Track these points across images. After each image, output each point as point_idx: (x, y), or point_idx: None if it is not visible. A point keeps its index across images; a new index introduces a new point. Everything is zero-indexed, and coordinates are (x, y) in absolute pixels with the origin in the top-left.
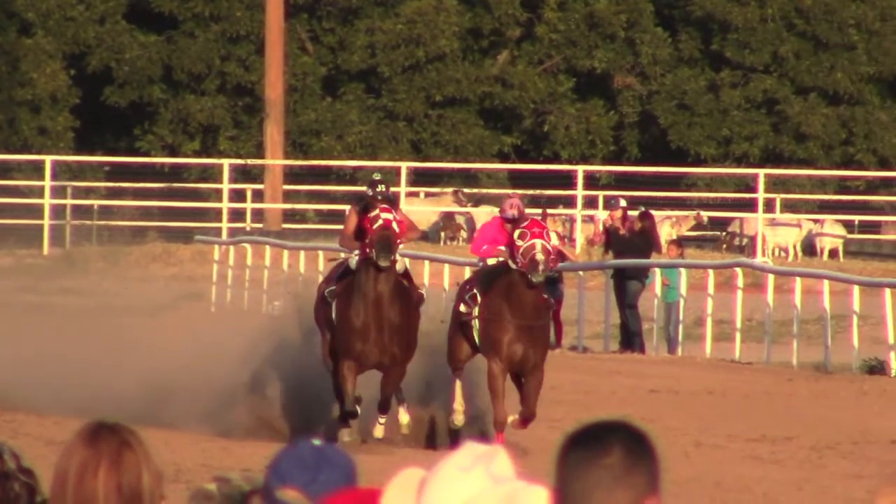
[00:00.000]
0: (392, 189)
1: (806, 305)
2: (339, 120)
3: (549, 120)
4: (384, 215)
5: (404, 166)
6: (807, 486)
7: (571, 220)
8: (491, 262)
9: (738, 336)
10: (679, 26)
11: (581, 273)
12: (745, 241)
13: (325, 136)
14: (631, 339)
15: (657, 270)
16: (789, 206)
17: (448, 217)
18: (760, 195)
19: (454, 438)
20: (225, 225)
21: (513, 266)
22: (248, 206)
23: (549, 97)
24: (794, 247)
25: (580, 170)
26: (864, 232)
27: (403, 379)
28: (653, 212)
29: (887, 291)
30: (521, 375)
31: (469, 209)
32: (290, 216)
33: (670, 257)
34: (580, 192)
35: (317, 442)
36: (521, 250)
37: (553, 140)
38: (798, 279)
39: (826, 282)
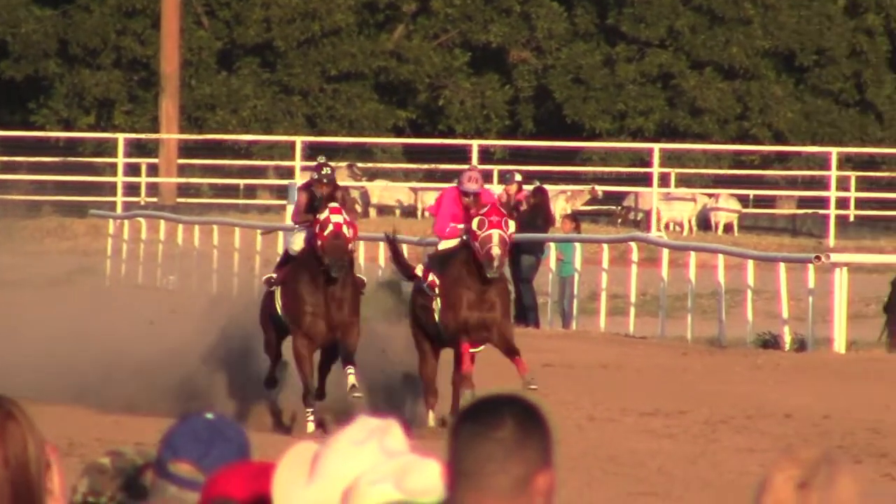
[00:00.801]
0: (335, 171)
1: (700, 280)
2: (234, 94)
3: (445, 94)
4: (334, 218)
5: (299, 140)
6: (700, 460)
7: None
8: (442, 246)
9: (632, 310)
10: (575, 1)
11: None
12: (640, 215)
13: (220, 111)
14: (526, 313)
15: (552, 245)
16: (684, 181)
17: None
18: (655, 169)
19: None
20: (120, 199)
21: (469, 258)
22: (143, 180)
23: (444, 71)
24: (689, 221)
25: (475, 144)
26: (758, 207)
27: (359, 339)
28: (548, 186)
29: (781, 266)
30: (487, 340)
31: (364, 183)
32: (184, 190)
33: (565, 232)
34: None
35: (210, 416)
36: (478, 239)
37: (448, 114)
38: (692, 253)
39: (720, 256)
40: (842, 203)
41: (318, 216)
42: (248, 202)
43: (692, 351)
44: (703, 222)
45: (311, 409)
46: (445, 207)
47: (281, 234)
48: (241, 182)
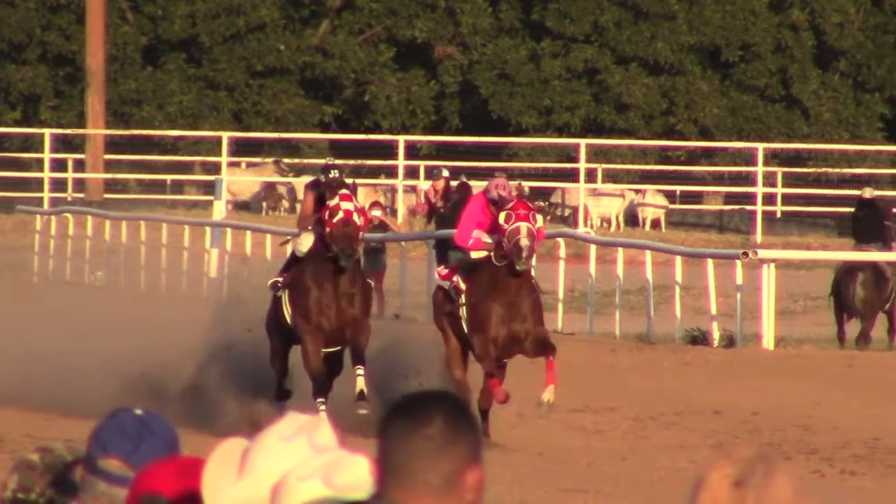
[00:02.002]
0: (344, 174)
1: (628, 276)
2: (159, 90)
3: (370, 90)
4: (344, 205)
5: (225, 136)
6: (630, 457)
7: (393, 190)
8: (475, 255)
9: (560, 307)
10: None
11: (403, 244)
12: (567, 211)
13: (146, 106)
14: None
15: None
16: (611, 177)
17: (269, 187)
18: (582, 165)
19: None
20: (46, 195)
21: (496, 260)
22: (70, 175)
23: (369, 67)
24: (617, 217)
25: (401, 140)
26: (685, 202)
27: (369, 337)
28: (475, 182)
29: (709, 262)
30: (515, 353)
31: (290, 179)
32: (111, 186)
33: None
34: (401, 163)
35: (139, 412)
36: (506, 233)
37: (374, 110)
38: (620, 249)
39: (648, 252)
40: (769, 199)
41: (327, 203)
42: (175, 198)
43: (621, 347)
44: (631, 218)
45: (322, 400)
46: (470, 215)
47: (268, 236)
48: (168, 178)
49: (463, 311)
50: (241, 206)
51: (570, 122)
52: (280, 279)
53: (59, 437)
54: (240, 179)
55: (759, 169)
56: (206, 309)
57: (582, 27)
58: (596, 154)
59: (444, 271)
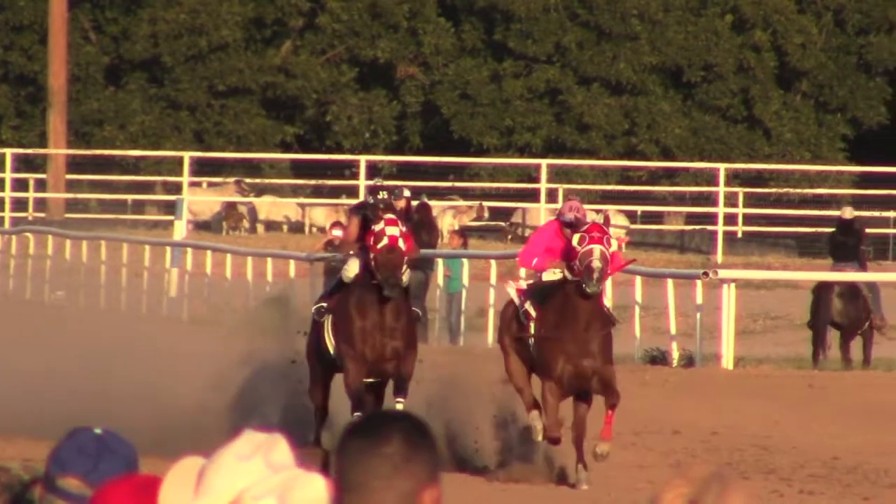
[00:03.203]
0: (393, 199)
1: None
2: (121, 110)
3: (332, 110)
4: (390, 230)
5: (187, 156)
6: (589, 476)
7: None
8: (546, 276)
9: None
10: (462, 16)
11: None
12: (528, 231)
13: (107, 126)
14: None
15: (439, 261)
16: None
17: (230, 207)
18: (543, 185)
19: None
20: (7, 214)
21: (569, 276)
22: (31, 195)
23: (331, 87)
24: None
25: (362, 160)
26: (646, 222)
27: (414, 368)
28: (436, 202)
29: (669, 282)
30: (582, 391)
31: (251, 199)
32: (72, 206)
33: (453, 247)
34: (362, 183)
35: (98, 430)
36: (578, 256)
37: (336, 130)
38: None
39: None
40: (730, 219)
41: (372, 227)
42: (136, 217)
43: None
44: None
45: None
46: (540, 238)
47: (210, 252)
48: (129, 197)
49: (531, 342)
50: (201, 226)
51: (531, 142)
52: (325, 304)
53: (17, 457)
54: (201, 199)
55: (721, 189)
56: (167, 329)
57: (544, 47)
58: (557, 174)
59: (520, 285)
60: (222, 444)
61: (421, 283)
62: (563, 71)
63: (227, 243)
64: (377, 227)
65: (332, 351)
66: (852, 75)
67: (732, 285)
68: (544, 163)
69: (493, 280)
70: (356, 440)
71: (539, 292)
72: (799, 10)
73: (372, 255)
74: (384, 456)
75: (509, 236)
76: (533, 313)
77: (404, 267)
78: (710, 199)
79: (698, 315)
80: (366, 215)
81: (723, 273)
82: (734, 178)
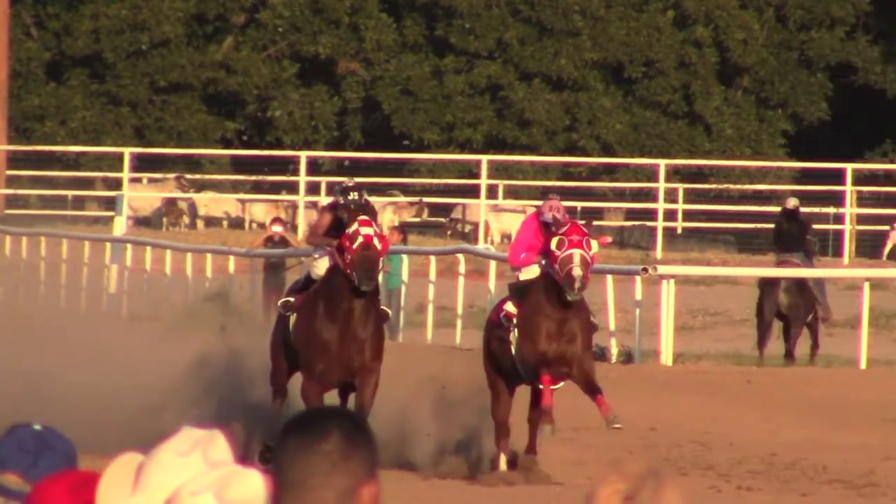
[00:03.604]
0: (365, 198)
1: None
2: (62, 105)
3: (273, 106)
4: (364, 230)
5: (127, 152)
6: (528, 473)
7: (294, 206)
8: (524, 276)
9: (459, 322)
10: (404, 12)
11: (304, 259)
12: (468, 227)
13: (48, 122)
14: None
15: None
16: (512, 193)
17: (170, 203)
18: (483, 181)
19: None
20: None
21: (549, 282)
22: None
23: (272, 83)
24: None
25: (303, 156)
26: (586, 218)
27: (376, 391)
28: (376, 198)
29: (609, 278)
30: (564, 375)
31: (192, 195)
32: (12, 202)
33: (392, 243)
34: (303, 179)
35: (37, 427)
36: (558, 260)
37: (276, 126)
38: None
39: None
40: (669, 215)
41: (346, 230)
42: (76, 213)
43: None
44: None
45: None
46: (522, 239)
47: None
48: (70, 193)
49: (513, 335)
50: (141, 222)
51: (472, 138)
52: (291, 299)
53: None
54: (141, 195)
55: (661, 185)
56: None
57: (485, 43)
58: (497, 170)
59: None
60: (161, 440)
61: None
62: (505, 67)
63: (167, 239)
64: (351, 230)
65: (294, 346)
66: (794, 71)
67: (672, 281)
68: (485, 159)
69: (432, 276)
70: (294, 437)
71: (518, 291)
72: (741, 5)
73: (348, 256)
74: (322, 453)
75: (449, 232)
76: (514, 312)
77: (380, 266)
78: (650, 195)
79: (637, 311)
80: (337, 215)
81: (662, 269)
82: (674, 173)
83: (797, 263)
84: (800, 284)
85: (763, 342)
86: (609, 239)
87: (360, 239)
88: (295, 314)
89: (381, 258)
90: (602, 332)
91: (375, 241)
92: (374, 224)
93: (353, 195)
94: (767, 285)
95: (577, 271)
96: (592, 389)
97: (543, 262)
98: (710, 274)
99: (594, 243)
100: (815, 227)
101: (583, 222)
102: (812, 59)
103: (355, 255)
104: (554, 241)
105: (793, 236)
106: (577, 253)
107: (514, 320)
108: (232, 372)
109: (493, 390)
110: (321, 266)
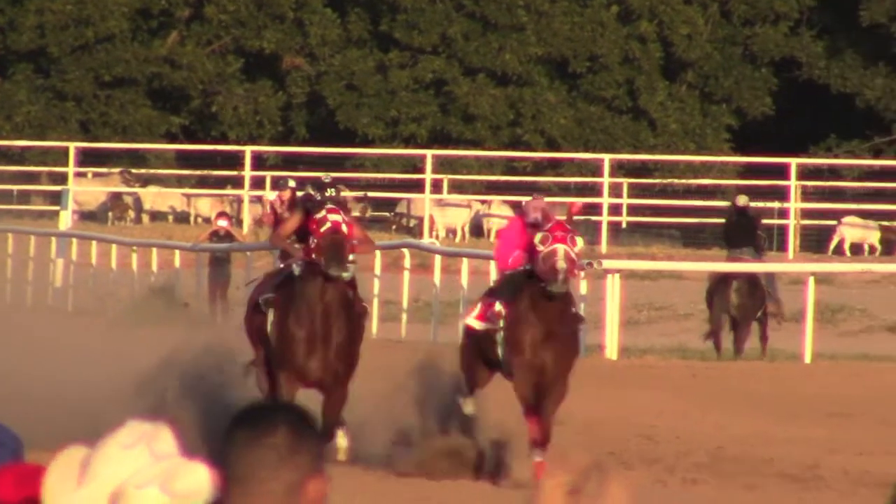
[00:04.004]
0: (341, 192)
1: (473, 286)
2: (7, 100)
3: (218, 100)
4: (332, 217)
5: (72, 146)
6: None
7: (239, 200)
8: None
9: (404, 316)
10: (348, 7)
11: (249, 253)
12: (413, 221)
13: None
14: None
15: None
16: (457, 187)
17: (116, 197)
18: (428, 176)
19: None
20: None
21: (535, 281)
22: None
23: (217, 78)
24: (462, 228)
25: (248, 150)
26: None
27: (346, 402)
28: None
29: None
30: (540, 387)
31: (137, 189)
32: None
33: None
34: (248, 173)
35: None
36: (541, 255)
37: (221, 120)
38: (465, 260)
39: (492, 262)
40: (614, 209)
41: (314, 216)
42: (21, 208)
43: None
44: (476, 229)
45: None
46: (508, 239)
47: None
48: (15, 188)
49: (500, 336)
50: (87, 217)
51: (416, 132)
52: (271, 296)
53: None
54: (86, 190)
55: (605, 180)
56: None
57: (430, 38)
58: (442, 165)
59: (478, 313)
60: (106, 433)
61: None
62: (449, 62)
63: (113, 233)
64: (319, 215)
65: (273, 343)
66: (738, 66)
67: (617, 275)
68: (429, 153)
69: (377, 270)
70: (242, 430)
71: (507, 287)
72: (685, 1)
73: (315, 241)
74: (270, 446)
75: (394, 227)
76: (503, 311)
77: (349, 250)
78: (594, 190)
79: (582, 305)
80: (308, 208)
81: (607, 263)
82: (619, 168)
83: (748, 260)
84: (751, 282)
85: (718, 340)
86: (580, 204)
87: (328, 224)
88: (273, 309)
89: (350, 243)
90: None
91: (343, 227)
92: (343, 213)
93: (330, 191)
94: (720, 283)
95: (560, 264)
96: (542, 437)
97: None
98: (654, 268)
99: (579, 240)
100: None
101: (563, 217)
102: (756, 54)
103: (322, 238)
104: (538, 237)
105: (743, 233)
106: (560, 248)
107: (502, 322)
108: (181, 364)
109: (469, 371)
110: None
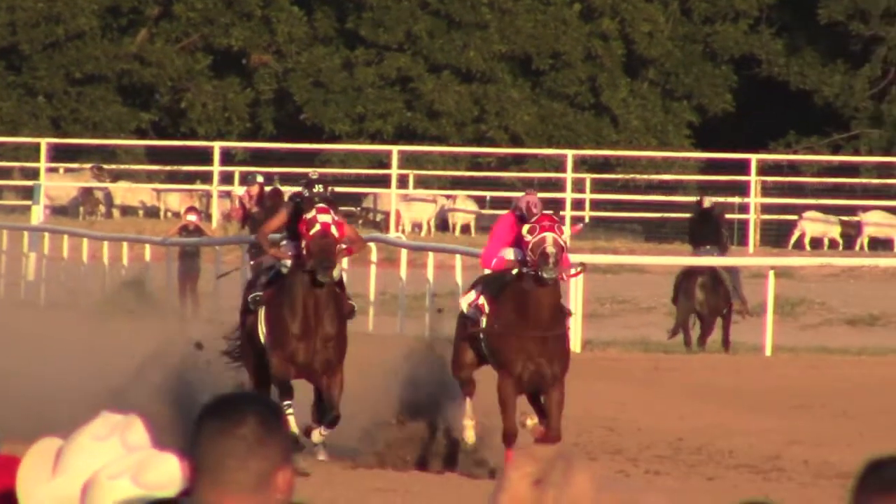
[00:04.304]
0: (329, 188)
1: (439, 279)
2: None
3: (187, 97)
4: (322, 217)
5: (44, 142)
6: (438, 459)
7: (208, 195)
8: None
9: (371, 310)
10: (315, 5)
11: (218, 248)
12: (379, 216)
13: None
14: None
15: None
16: (423, 182)
17: (87, 192)
18: (394, 171)
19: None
20: None
21: (523, 269)
22: None
23: (186, 75)
24: (428, 222)
25: (217, 146)
26: (495, 208)
27: (343, 386)
28: (288, 188)
29: None
30: (539, 392)
31: (108, 185)
32: None
33: None
34: (216, 169)
35: None
36: (530, 245)
37: (190, 117)
38: (431, 254)
39: (458, 256)
40: (577, 204)
41: (304, 216)
42: None
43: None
44: (442, 223)
45: (289, 403)
46: (497, 235)
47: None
48: None
49: (482, 334)
50: (58, 211)
51: (382, 129)
52: (260, 294)
53: None
54: (58, 185)
55: (569, 175)
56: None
57: (395, 36)
58: (408, 160)
59: (473, 298)
60: (79, 425)
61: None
62: (414, 59)
63: (84, 228)
64: (309, 216)
65: (262, 340)
66: (698, 63)
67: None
68: (395, 149)
69: (344, 264)
70: (211, 422)
71: (492, 283)
72: None
73: (304, 243)
74: (239, 437)
75: (360, 221)
76: (486, 307)
77: (338, 253)
78: (558, 185)
79: None
80: (297, 206)
81: (571, 257)
82: (582, 164)
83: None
84: (714, 280)
85: (687, 334)
86: (580, 226)
87: (318, 227)
88: (263, 308)
89: (339, 245)
90: None
91: (333, 228)
92: (334, 213)
93: (318, 188)
94: (684, 280)
95: (550, 249)
96: (553, 436)
97: (515, 257)
98: (617, 262)
99: (566, 230)
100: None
101: (550, 212)
102: (716, 51)
103: (312, 241)
104: (525, 228)
105: (707, 232)
106: (549, 235)
107: (484, 320)
108: (155, 357)
109: (457, 363)
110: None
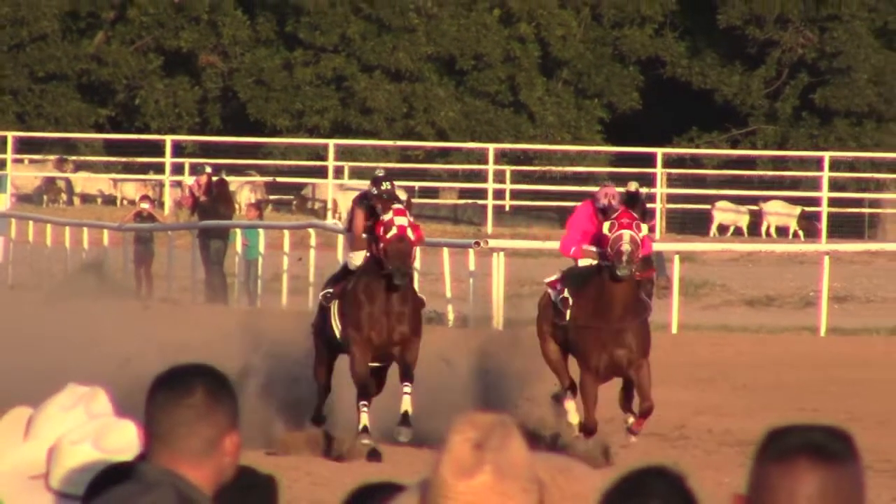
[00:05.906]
0: (396, 186)
1: None
2: None
3: (140, 94)
4: (398, 220)
5: (10, 135)
6: (375, 433)
7: (161, 185)
8: (583, 262)
9: (310, 290)
10: (257, 10)
11: (170, 233)
12: (317, 204)
13: None
14: (216, 292)
15: (238, 231)
16: (357, 174)
17: (50, 182)
18: (330, 163)
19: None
20: None
21: (603, 263)
22: None
23: (140, 74)
24: None
25: (168, 139)
26: (423, 197)
27: (418, 355)
28: (234, 178)
29: (445, 251)
30: (624, 378)
31: (69, 175)
32: None
33: (249, 219)
34: (168, 160)
35: None
36: (609, 242)
37: (144, 112)
38: None
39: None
40: (499, 194)
41: (381, 217)
42: None
43: None
44: None
45: (365, 403)
46: (576, 223)
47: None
48: None
49: (568, 324)
50: (24, 199)
51: (319, 124)
52: (331, 290)
53: None
54: (23, 175)
55: (490, 167)
56: None
57: (331, 38)
58: (343, 153)
59: (552, 279)
60: (48, 396)
61: (220, 250)
62: (349, 60)
63: (48, 214)
64: (386, 217)
65: (338, 335)
66: (608, 65)
67: (501, 254)
68: (331, 143)
69: (286, 248)
70: (163, 391)
71: (575, 278)
72: (560, 5)
73: (381, 245)
74: (188, 406)
75: (295, 205)
76: (570, 300)
77: (413, 257)
78: (480, 176)
79: (471, 280)
80: (370, 206)
81: (493, 242)
82: (502, 157)
83: None
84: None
85: None
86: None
87: (394, 230)
88: (336, 302)
89: (414, 249)
90: (439, 299)
91: (409, 231)
92: (409, 214)
93: (386, 185)
94: None
95: (626, 247)
96: (647, 407)
97: (595, 249)
98: (535, 247)
99: (644, 227)
100: None
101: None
102: (625, 53)
103: (389, 245)
104: (606, 225)
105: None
106: (626, 233)
107: (569, 312)
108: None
109: (546, 352)
110: (357, 257)
